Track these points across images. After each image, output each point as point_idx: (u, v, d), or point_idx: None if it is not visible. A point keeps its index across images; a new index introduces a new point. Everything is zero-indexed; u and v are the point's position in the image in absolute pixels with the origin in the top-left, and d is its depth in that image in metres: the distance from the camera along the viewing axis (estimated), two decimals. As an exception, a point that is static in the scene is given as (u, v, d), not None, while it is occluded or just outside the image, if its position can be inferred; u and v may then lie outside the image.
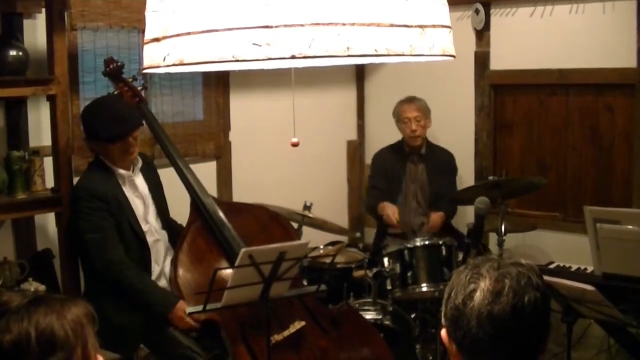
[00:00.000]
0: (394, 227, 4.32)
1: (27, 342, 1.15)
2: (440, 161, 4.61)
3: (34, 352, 1.15)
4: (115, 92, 3.39)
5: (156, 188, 3.36)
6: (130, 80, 3.41)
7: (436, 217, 4.35)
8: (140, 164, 3.29)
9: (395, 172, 4.55)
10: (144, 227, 3.20)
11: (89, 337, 1.23)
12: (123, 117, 3.17)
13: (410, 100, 4.52)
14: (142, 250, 3.18)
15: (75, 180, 3.39)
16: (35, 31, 3.47)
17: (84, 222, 3.07)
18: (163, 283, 3.21)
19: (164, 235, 3.32)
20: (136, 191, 3.24)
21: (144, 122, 3.35)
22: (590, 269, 3.51)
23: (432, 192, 4.52)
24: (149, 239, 3.21)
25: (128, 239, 3.12)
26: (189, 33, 1.38)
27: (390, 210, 4.29)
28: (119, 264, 3.04)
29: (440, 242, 3.79)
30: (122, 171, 3.19)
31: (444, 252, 3.77)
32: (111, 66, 3.40)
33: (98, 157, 3.21)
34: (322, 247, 4.33)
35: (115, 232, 3.08)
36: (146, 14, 1.54)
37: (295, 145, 1.87)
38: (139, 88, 3.44)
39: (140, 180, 3.28)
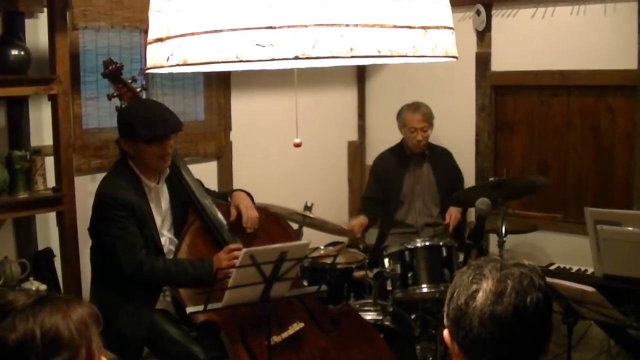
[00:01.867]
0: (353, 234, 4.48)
1: (32, 341, 1.15)
2: (444, 159, 4.66)
3: (38, 351, 1.16)
4: (114, 94, 3.39)
5: (178, 197, 3.28)
6: (130, 81, 3.40)
7: (456, 211, 4.41)
8: (167, 173, 3.23)
9: (396, 175, 4.55)
10: (162, 240, 3.17)
11: (93, 337, 1.24)
12: (165, 118, 3.09)
13: (416, 108, 4.50)
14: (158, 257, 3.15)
15: (77, 179, 3.39)
16: (37, 31, 3.48)
17: (112, 229, 3.00)
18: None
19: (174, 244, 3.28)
20: (159, 205, 3.19)
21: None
22: (590, 270, 3.52)
23: (441, 190, 4.53)
24: (165, 251, 3.18)
25: (148, 250, 3.06)
26: (192, 33, 1.38)
27: (357, 221, 4.46)
28: (149, 261, 3.00)
29: (441, 243, 3.80)
30: (148, 182, 3.14)
31: (444, 253, 3.78)
32: (110, 67, 3.39)
33: (125, 160, 3.14)
34: (322, 247, 4.33)
35: (140, 237, 3.04)
36: (150, 14, 1.54)
37: (297, 145, 1.86)
38: (138, 89, 3.43)
39: (164, 192, 3.23)
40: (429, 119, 4.49)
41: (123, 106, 3.30)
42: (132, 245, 2.99)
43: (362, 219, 4.48)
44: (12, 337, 1.15)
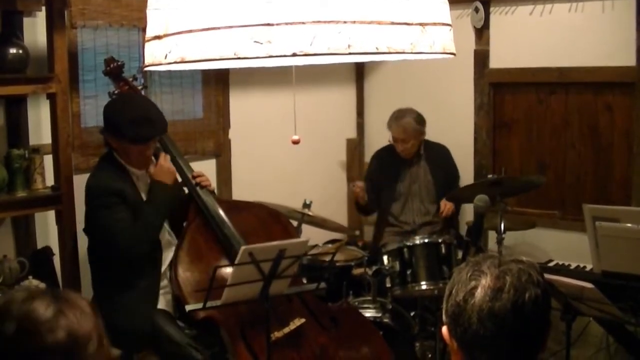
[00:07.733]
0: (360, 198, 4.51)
1: (72, 340, 1.17)
2: (441, 157, 4.62)
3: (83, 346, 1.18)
4: (115, 92, 3.39)
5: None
6: (131, 79, 3.41)
7: (448, 204, 4.37)
8: (153, 161, 3.25)
9: (393, 172, 4.53)
10: None
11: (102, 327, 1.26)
12: (150, 119, 3.11)
13: (400, 118, 4.41)
14: (156, 249, 3.17)
15: (76, 178, 3.39)
16: (35, 29, 3.47)
17: (106, 216, 3.03)
18: (164, 283, 3.21)
19: (172, 235, 3.29)
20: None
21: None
22: (589, 267, 3.52)
23: (438, 188, 4.51)
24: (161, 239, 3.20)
25: None
26: (190, 31, 1.39)
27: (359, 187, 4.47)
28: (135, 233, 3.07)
29: (440, 240, 3.80)
30: (135, 170, 3.17)
31: (443, 250, 3.78)
32: (112, 65, 3.39)
33: (111, 153, 3.17)
34: (321, 245, 4.34)
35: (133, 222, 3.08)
36: (147, 12, 1.54)
37: (296, 142, 1.86)
38: (139, 87, 3.44)
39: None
40: (408, 131, 4.37)
41: (110, 99, 3.28)
42: (127, 226, 3.03)
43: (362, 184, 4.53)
44: (60, 336, 1.16)
